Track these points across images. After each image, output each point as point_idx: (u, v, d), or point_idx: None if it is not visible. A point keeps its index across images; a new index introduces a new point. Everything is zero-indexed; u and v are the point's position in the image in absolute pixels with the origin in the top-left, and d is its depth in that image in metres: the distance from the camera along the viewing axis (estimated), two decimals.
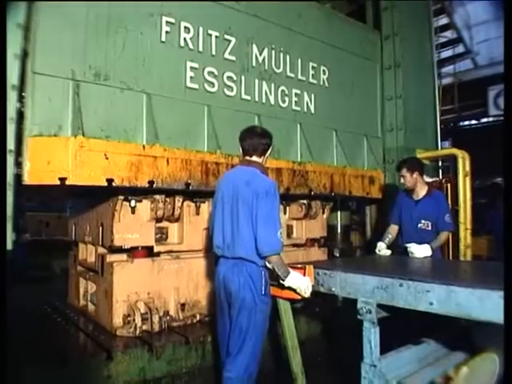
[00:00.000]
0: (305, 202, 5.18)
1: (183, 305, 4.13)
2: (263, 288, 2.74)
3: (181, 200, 4.09)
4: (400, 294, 2.40)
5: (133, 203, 3.88)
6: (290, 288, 2.79)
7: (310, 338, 4.33)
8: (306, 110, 5.01)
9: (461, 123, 13.68)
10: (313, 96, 5.09)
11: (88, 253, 4.57)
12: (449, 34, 9.90)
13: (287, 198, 5.01)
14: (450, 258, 5.54)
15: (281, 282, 2.77)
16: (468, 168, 5.44)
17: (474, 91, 11.12)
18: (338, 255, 6.09)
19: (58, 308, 4.77)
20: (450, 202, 5.51)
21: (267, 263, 2.73)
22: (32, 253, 8.43)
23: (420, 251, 3.88)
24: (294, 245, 5.26)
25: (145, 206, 3.98)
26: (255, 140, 2.92)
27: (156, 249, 4.09)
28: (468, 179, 5.39)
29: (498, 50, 11.63)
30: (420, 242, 3.96)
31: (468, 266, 3.92)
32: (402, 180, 4.25)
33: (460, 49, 10.50)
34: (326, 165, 5.08)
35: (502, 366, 2.24)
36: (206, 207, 4.31)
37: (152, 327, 3.70)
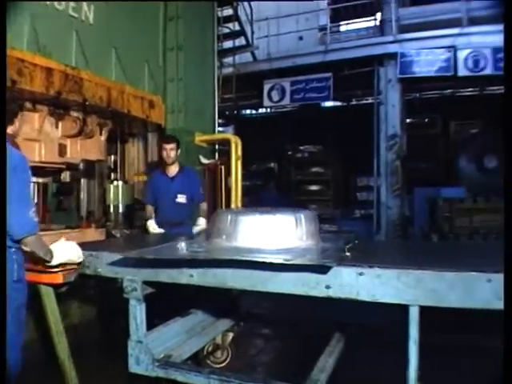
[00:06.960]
0: (79, 116, 4.67)
1: None
2: (15, 274, 2.38)
3: None
4: (163, 269, 2.48)
5: None
6: (50, 271, 2.62)
7: (83, 321, 4.18)
8: (84, 18, 4.71)
9: (243, 111, 14.83)
10: (92, 7, 4.80)
11: None
12: (232, 26, 10.45)
13: (59, 107, 4.53)
14: None
15: (47, 264, 2.55)
16: (240, 152, 5.97)
17: (251, 83, 12.07)
18: (118, 235, 5.84)
19: None
20: (223, 182, 6.01)
21: (24, 247, 2.38)
22: None
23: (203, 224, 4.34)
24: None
25: None
26: None
27: None
28: (239, 162, 5.93)
29: (275, 46, 12.88)
30: (178, 215, 4.40)
31: None
32: (168, 153, 4.46)
33: (242, 41, 11.20)
34: (103, 77, 4.86)
35: None
36: None
37: None
